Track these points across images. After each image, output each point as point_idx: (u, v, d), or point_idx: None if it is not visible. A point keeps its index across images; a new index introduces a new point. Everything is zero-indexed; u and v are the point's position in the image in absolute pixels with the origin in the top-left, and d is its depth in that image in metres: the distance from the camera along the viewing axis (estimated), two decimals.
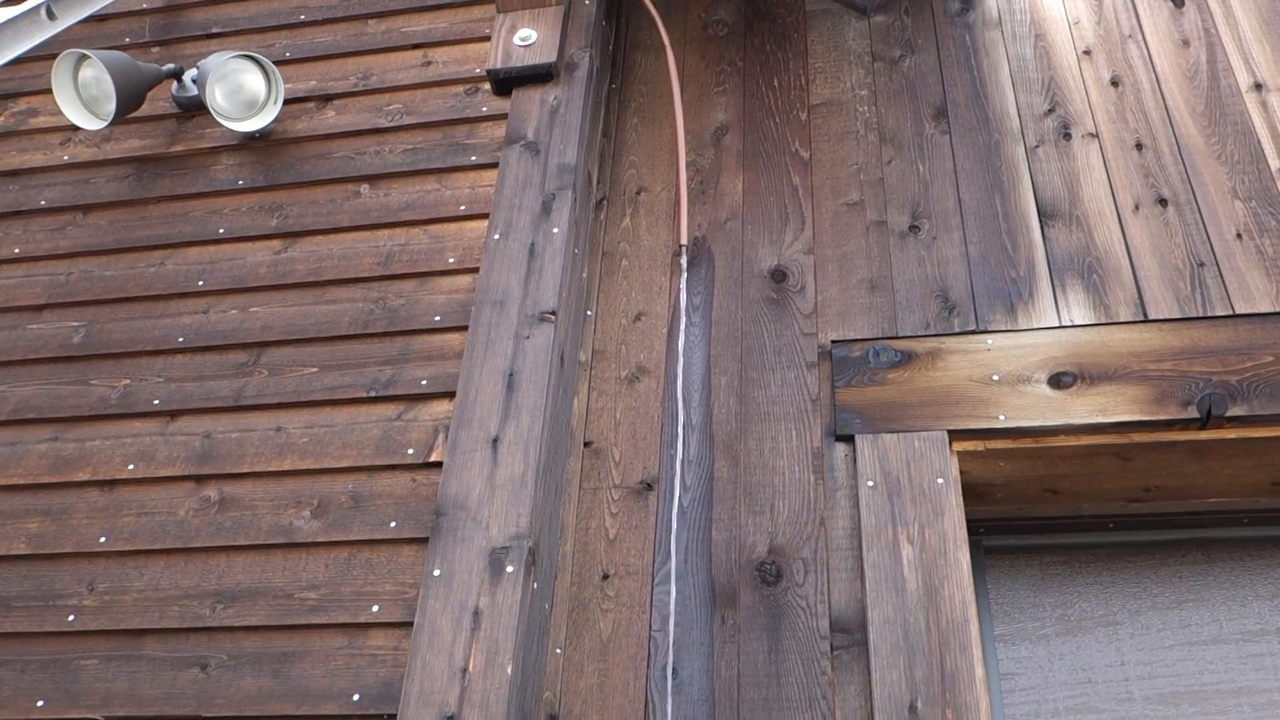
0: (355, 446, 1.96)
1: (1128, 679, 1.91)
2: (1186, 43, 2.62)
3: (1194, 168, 2.37)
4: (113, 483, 1.99)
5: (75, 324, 2.27)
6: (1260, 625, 1.94)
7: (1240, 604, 1.98)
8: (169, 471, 1.99)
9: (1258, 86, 2.49)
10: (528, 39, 2.48)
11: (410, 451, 1.93)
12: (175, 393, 2.11)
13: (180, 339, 2.20)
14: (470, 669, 1.59)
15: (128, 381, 2.15)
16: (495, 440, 1.88)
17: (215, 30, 2.83)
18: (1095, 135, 2.48)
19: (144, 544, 1.88)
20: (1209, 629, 1.95)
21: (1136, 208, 2.33)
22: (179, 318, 2.24)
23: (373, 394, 2.03)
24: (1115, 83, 2.57)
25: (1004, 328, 2.18)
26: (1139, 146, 2.44)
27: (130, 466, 2.00)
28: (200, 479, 1.97)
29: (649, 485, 2.04)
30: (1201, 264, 2.21)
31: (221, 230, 2.37)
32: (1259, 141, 2.38)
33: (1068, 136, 2.49)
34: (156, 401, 2.10)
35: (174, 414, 2.09)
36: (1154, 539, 2.11)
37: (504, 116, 2.43)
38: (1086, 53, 2.65)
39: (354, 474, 1.92)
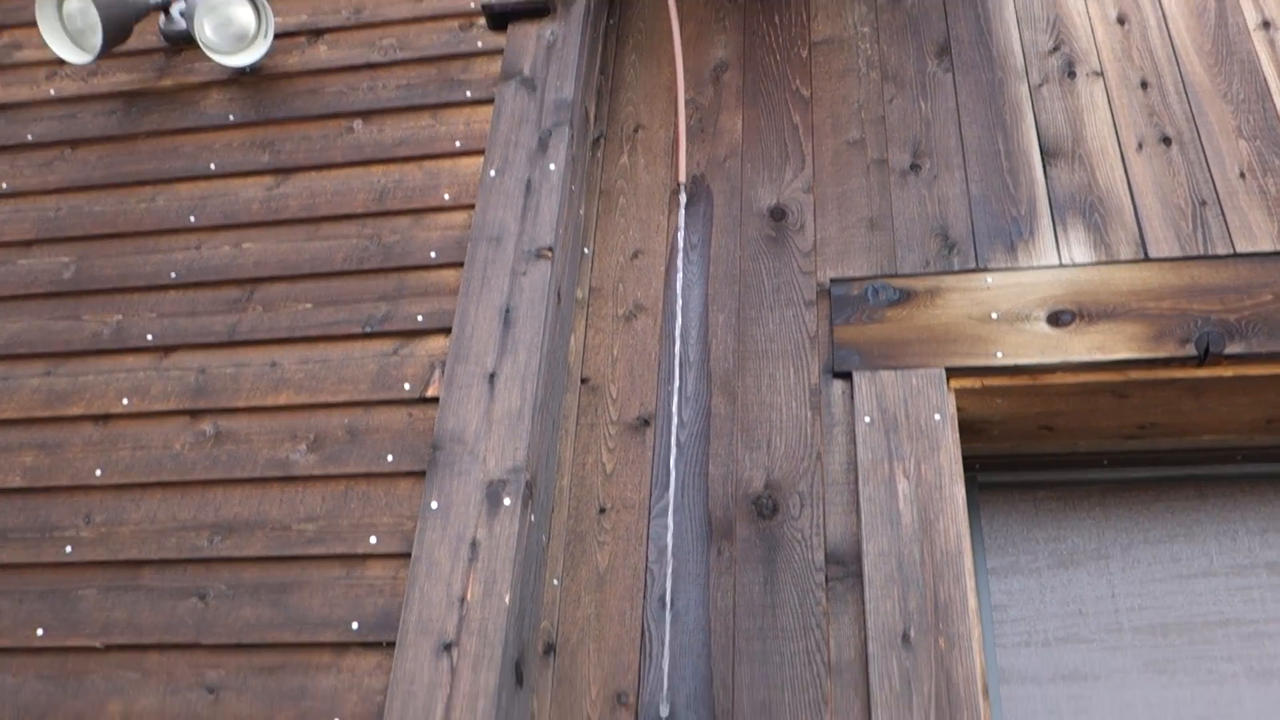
0: (351, 382, 1.95)
1: (1118, 610, 1.93)
2: None
3: (1199, 106, 2.35)
4: (107, 417, 1.98)
5: (65, 259, 2.25)
6: (1250, 559, 1.96)
7: (1231, 538, 1.99)
8: (164, 406, 1.98)
9: (1265, 25, 2.46)
10: None
11: (406, 387, 1.92)
12: (168, 328, 2.10)
13: (172, 275, 2.18)
14: (468, 598, 1.59)
15: (120, 317, 2.13)
16: (492, 375, 1.87)
17: None
18: (1100, 74, 2.45)
19: (140, 477, 1.88)
20: (1199, 563, 1.97)
21: (1140, 146, 2.31)
22: (171, 254, 2.22)
23: (368, 330, 2.02)
24: (1121, 20, 2.54)
25: (1004, 266, 2.17)
26: (1144, 85, 2.41)
27: (124, 401, 1.99)
28: (195, 413, 1.96)
29: (646, 421, 2.04)
30: (1204, 203, 2.19)
31: (212, 166, 2.34)
32: (1265, 80, 2.36)
33: (1072, 75, 2.46)
34: (150, 337, 2.09)
35: (168, 349, 2.07)
36: (1148, 476, 2.11)
37: (499, 52, 2.39)
38: None
39: (350, 409, 1.91)
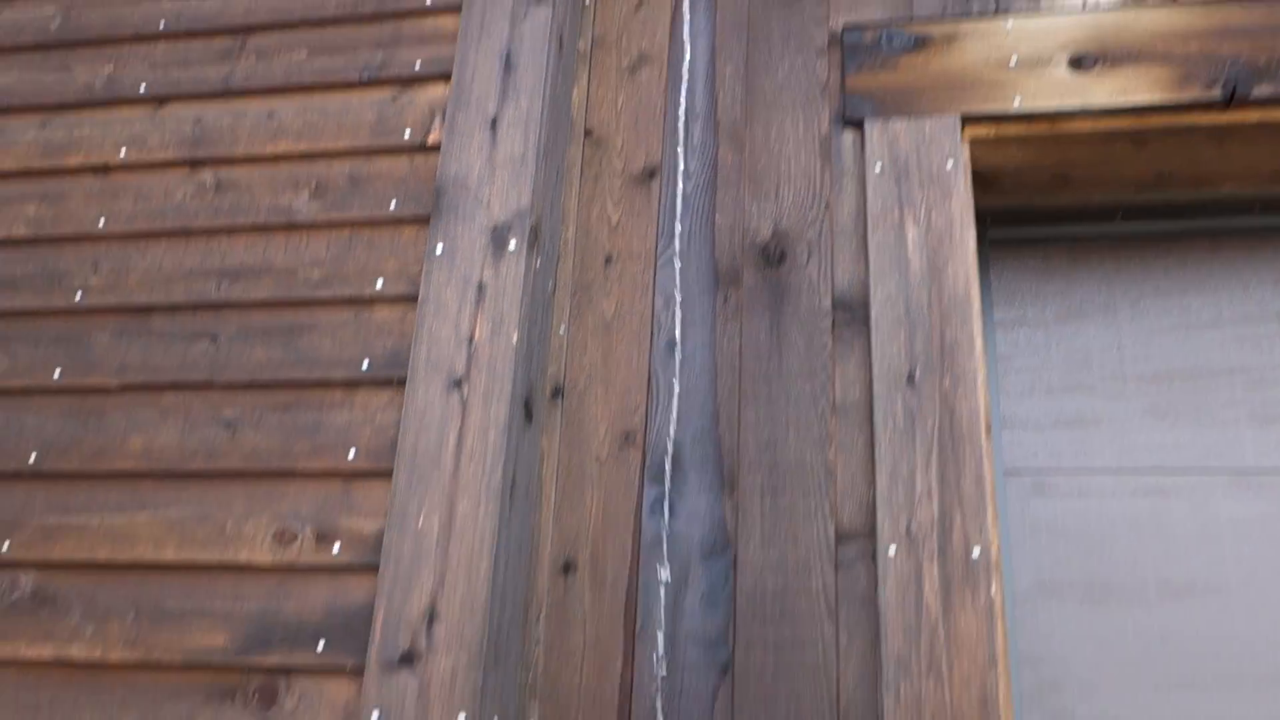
0: (350, 130, 1.91)
1: (1123, 360, 1.95)
2: None
3: None
4: (107, 168, 1.95)
5: (51, 10, 2.17)
6: (1260, 309, 1.96)
7: (1242, 289, 1.98)
8: (163, 156, 1.95)
9: None
10: None
11: (407, 134, 1.88)
12: (162, 79, 2.04)
13: (162, 24, 2.10)
14: (476, 337, 1.60)
15: (111, 68, 2.07)
16: (494, 121, 1.83)
17: None
18: None
19: (144, 226, 1.86)
20: (1208, 313, 1.97)
21: None
22: (159, 3, 2.14)
23: (365, 77, 1.96)
24: None
25: (1025, 9, 2.08)
26: None
27: (123, 152, 1.96)
28: (195, 163, 1.93)
29: (651, 173, 2.01)
30: None
31: None
32: None
33: None
34: (143, 88, 2.03)
35: (162, 100, 2.02)
36: (1161, 228, 2.09)
37: None
38: None
39: (350, 157, 1.88)
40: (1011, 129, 1.96)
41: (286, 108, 1.96)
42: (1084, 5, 2.06)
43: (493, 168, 1.78)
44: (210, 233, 1.83)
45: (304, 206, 1.83)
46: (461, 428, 1.52)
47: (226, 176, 1.89)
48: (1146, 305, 2.00)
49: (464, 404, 1.54)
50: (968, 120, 1.96)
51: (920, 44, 2.06)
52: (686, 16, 2.20)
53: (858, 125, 1.99)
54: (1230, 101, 1.87)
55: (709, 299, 1.85)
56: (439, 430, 1.52)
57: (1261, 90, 1.87)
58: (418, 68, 1.95)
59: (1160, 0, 2.04)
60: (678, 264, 1.88)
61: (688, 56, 2.15)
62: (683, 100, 2.10)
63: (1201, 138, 1.94)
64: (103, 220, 1.88)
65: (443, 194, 1.76)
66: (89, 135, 2.00)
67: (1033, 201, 2.12)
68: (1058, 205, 2.12)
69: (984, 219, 2.13)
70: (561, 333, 1.84)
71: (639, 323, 1.83)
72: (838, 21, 2.14)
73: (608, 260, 1.91)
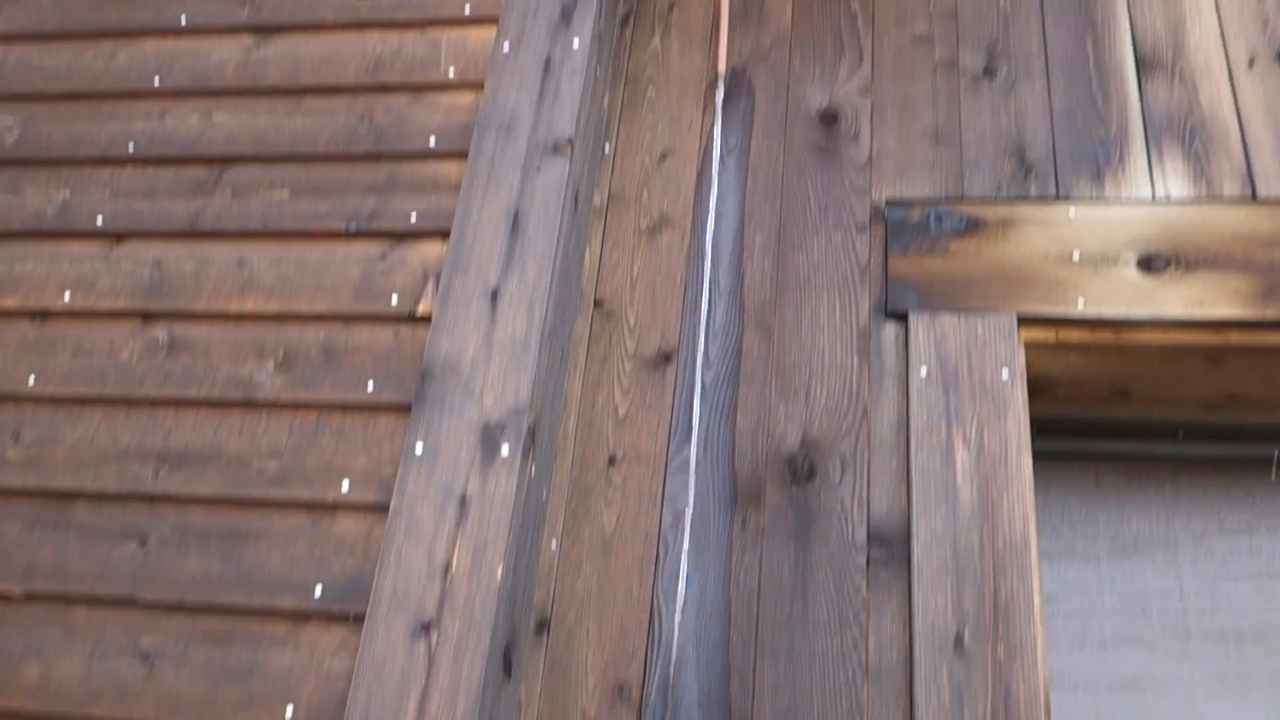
0: (330, 289, 1.68)
1: (1186, 611, 1.71)
2: None
3: None
4: (46, 314, 1.71)
5: (9, 121, 1.95)
6: None
7: None
8: (112, 304, 1.71)
9: None
10: None
11: (394, 300, 1.65)
12: (123, 210, 1.81)
13: (130, 147, 1.88)
14: (453, 568, 1.36)
15: (67, 193, 1.84)
16: (495, 292, 1.60)
17: None
18: None
19: (80, 389, 1.62)
20: None
21: (1251, 63, 1.99)
22: (130, 121, 1.92)
23: (352, 227, 1.73)
24: None
25: (1089, 196, 1.88)
26: None
27: (67, 295, 1.72)
28: (148, 316, 1.69)
29: (667, 357, 1.78)
30: None
31: (183, 19, 2.02)
32: None
33: None
34: (100, 220, 1.81)
35: (120, 236, 1.79)
36: (1229, 453, 1.87)
37: None
38: None
39: (327, 322, 1.64)
40: (1073, 334, 1.75)
41: (259, 256, 1.73)
42: (1154, 196, 1.86)
43: (490, 350, 1.55)
44: (155, 404, 1.58)
45: (267, 380, 1.59)
46: (426, 689, 1.26)
47: (182, 335, 1.65)
48: (1212, 545, 1.77)
49: (431, 657, 1.28)
50: (1024, 321, 1.74)
51: (973, 227, 1.86)
52: (714, 175, 1.99)
53: (901, 317, 1.77)
54: None
55: (725, 519, 1.61)
56: (398, 690, 1.26)
57: None
58: (413, 220, 1.73)
59: (1238, 196, 1.85)
60: (693, 472, 1.64)
61: (713, 221, 1.94)
62: (706, 272, 1.88)
63: None
64: (33, 378, 1.64)
65: (429, 378, 1.53)
66: (31, 272, 1.76)
67: (1086, 412, 1.90)
68: (1113, 419, 1.90)
69: (1030, 426, 1.91)
70: (554, 549, 1.59)
71: (643, 542, 1.59)
72: (881, 194, 1.94)
73: (611, 461, 1.67)
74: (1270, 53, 2.01)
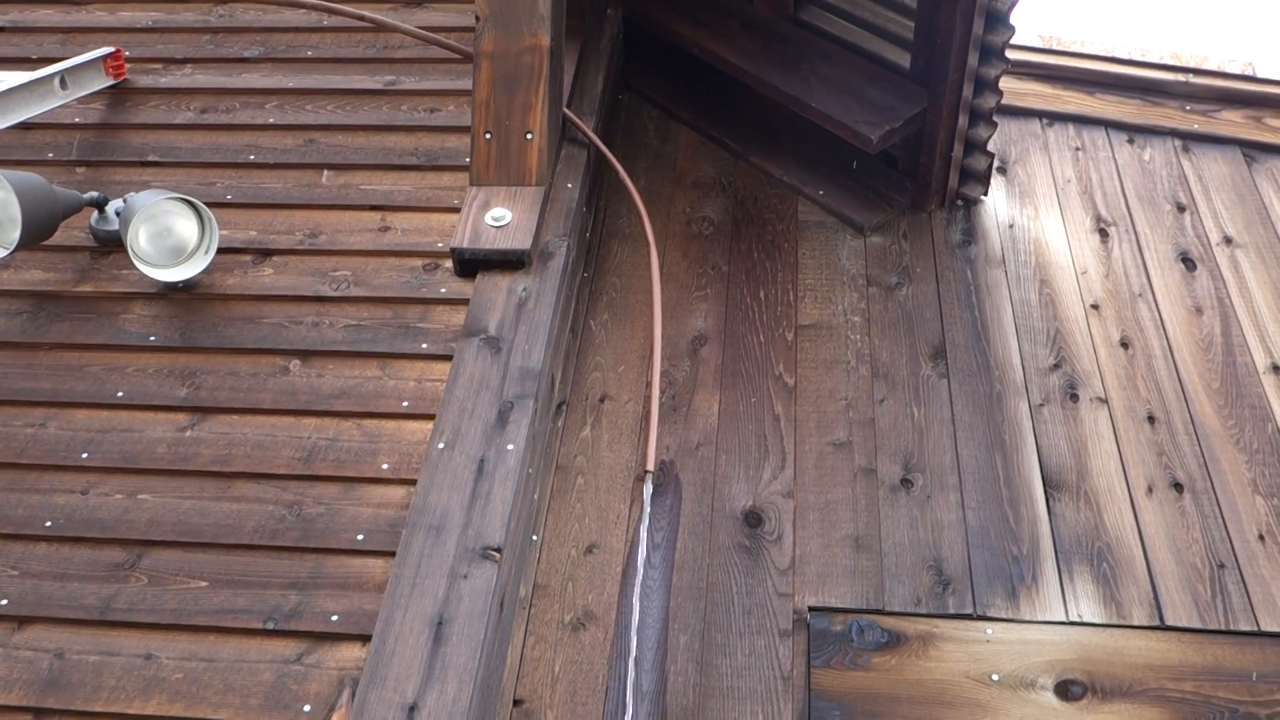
0: (239, 692, 1.60)
1: None
2: (1199, 310, 2.47)
3: (1210, 452, 2.18)
4: None
5: None
6: None
7: None
8: (3, 699, 1.60)
9: (1275, 369, 2.33)
10: (501, 219, 2.22)
11: (306, 709, 1.58)
12: (30, 592, 1.74)
13: (48, 524, 1.83)
14: None
15: None
16: (412, 710, 1.54)
17: (151, 159, 2.54)
18: (1105, 400, 2.29)
19: None
20: None
21: (1150, 490, 2.13)
22: (51, 495, 1.88)
23: (270, 625, 1.68)
24: (1125, 344, 2.41)
25: (1005, 615, 1.93)
26: (1151, 420, 2.25)
27: None
28: (40, 714, 1.59)
29: None
30: (1222, 565, 1.99)
31: (120, 394, 2.04)
32: (1279, 432, 2.21)
33: (1075, 398, 2.30)
34: (5, 601, 1.73)
35: (24, 620, 1.71)
36: None
37: (465, 302, 2.16)
38: (1094, 307, 2.49)
39: None
40: None
41: (168, 651, 1.66)
42: (1067, 618, 1.92)
43: None
44: None
45: None
46: None
47: None
48: None
49: None
50: None
51: (894, 641, 1.88)
52: (640, 570, 2.01)
53: None
54: None
55: None
56: None
57: None
58: (334, 620, 1.69)
59: (1147, 623, 1.92)
60: None
61: (637, 619, 1.93)
62: (630, 673, 1.85)
63: None
64: None
65: None
66: None
67: None
68: None
69: None
70: None
71: None
72: (804, 599, 1.96)
73: None
74: (1167, 481, 2.15)
